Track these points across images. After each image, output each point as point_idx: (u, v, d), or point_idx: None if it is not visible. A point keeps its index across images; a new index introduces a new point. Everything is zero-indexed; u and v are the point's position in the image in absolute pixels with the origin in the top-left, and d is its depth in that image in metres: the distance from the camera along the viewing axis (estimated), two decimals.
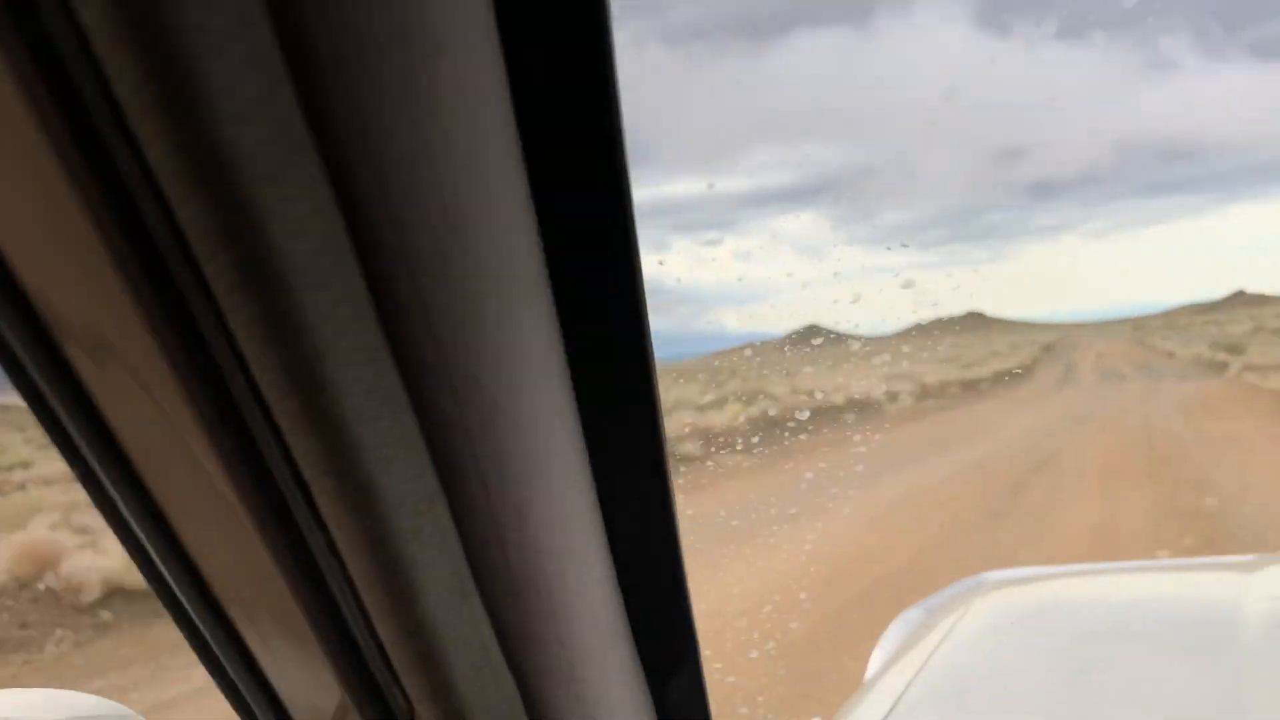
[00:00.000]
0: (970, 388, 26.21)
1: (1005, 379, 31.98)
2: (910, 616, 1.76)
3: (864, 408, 17.68)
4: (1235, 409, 17.63)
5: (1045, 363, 45.48)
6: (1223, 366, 30.28)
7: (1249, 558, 1.76)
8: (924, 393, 22.05)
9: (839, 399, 16.51)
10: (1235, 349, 35.28)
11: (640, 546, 0.76)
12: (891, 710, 1.22)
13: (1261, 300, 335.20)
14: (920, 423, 19.15)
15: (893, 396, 19.98)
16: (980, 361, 41.79)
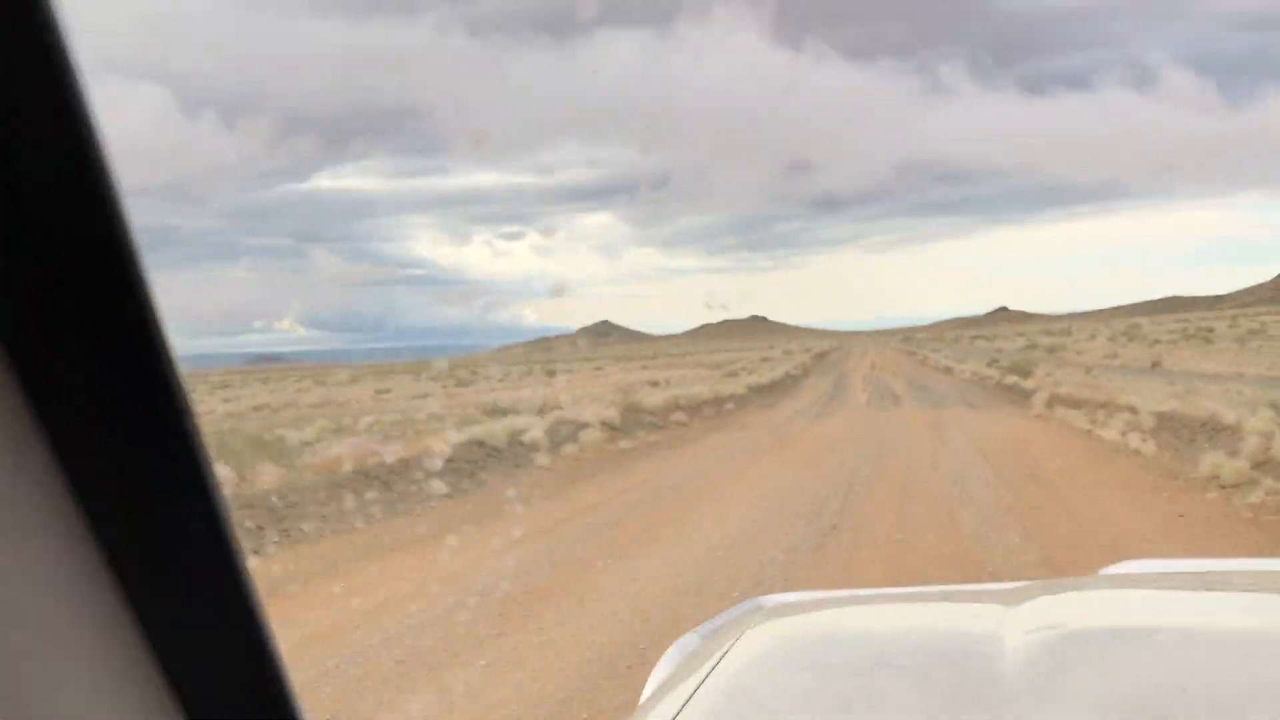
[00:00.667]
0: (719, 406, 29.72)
1: (772, 390, 38.99)
2: (686, 641, 1.77)
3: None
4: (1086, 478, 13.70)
5: (816, 373, 59.30)
6: (1015, 391, 32.05)
7: (1012, 585, 1.81)
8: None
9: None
10: (1021, 370, 37.86)
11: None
12: None
13: (1023, 317, 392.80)
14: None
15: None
16: (751, 369, 56.20)
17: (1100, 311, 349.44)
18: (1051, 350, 78.46)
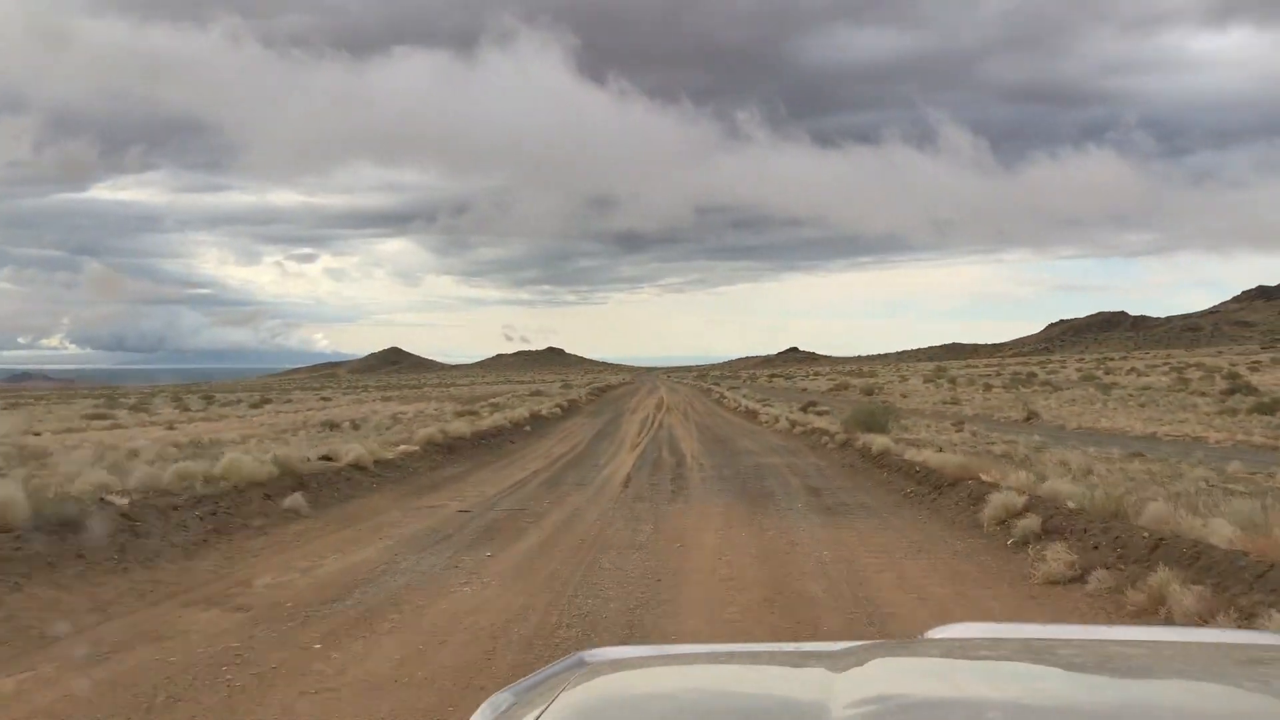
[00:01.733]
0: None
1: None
2: (499, 699, 1.67)
3: None
4: None
5: (584, 413, 52.25)
6: (883, 464, 18.99)
7: (839, 646, 1.78)
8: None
9: None
10: (868, 421, 25.07)
11: None
12: None
13: (812, 358, 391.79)
14: None
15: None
16: (513, 403, 50.35)
17: (886, 355, 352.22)
18: (870, 392, 65.16)
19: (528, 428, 35.71)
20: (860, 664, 1.57)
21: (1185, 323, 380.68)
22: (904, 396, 58.89)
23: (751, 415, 44.66)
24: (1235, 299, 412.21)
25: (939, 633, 2.20)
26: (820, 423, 29.93)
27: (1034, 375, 79.75)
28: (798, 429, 30.45)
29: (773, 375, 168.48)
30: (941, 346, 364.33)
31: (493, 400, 66.01)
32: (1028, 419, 36.67)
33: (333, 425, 36.25)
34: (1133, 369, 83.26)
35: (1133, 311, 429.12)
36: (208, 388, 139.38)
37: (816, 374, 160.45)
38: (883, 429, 24.83)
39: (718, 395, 73.23)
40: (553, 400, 62.38)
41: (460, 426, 28.65)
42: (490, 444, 27.65)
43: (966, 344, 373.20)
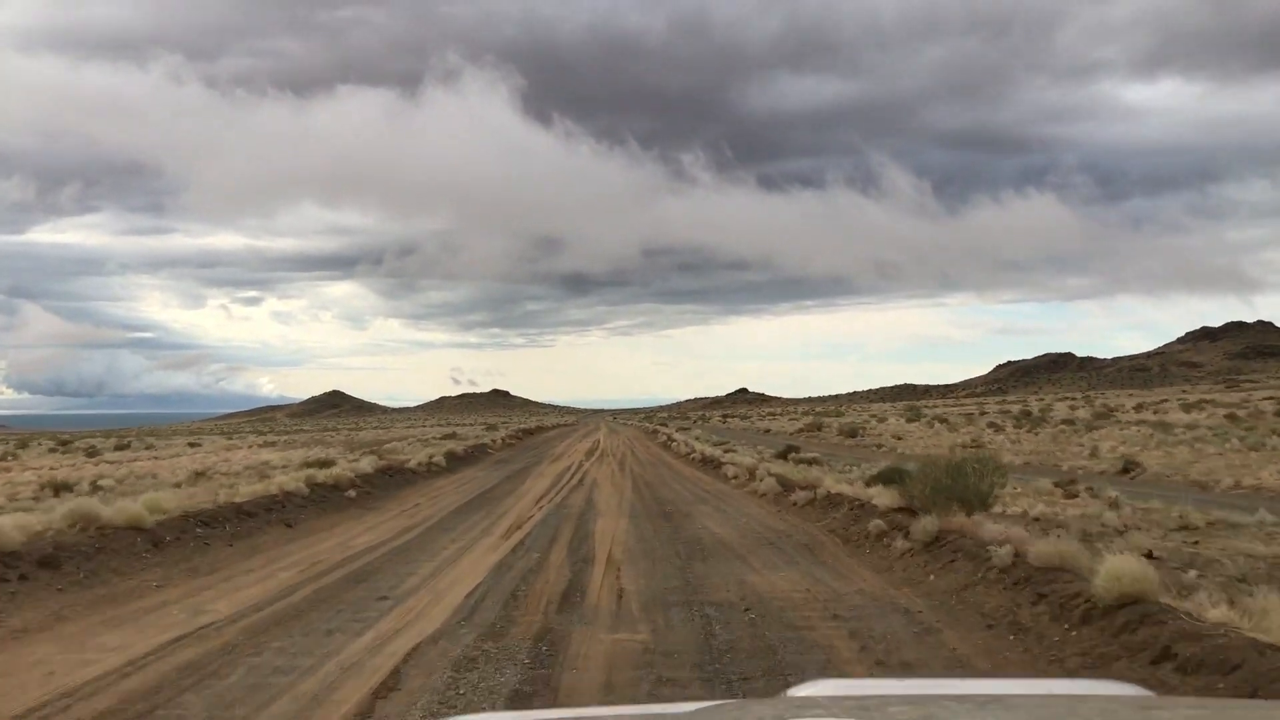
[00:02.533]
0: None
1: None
2: None
3: None
4: None
5: (485, 463, 43.28)
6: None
7: (694, 707, 1.76)
8: None
9: None
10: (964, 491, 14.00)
11: None
12: None
13: (762, 399, 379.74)
14: None
15: None
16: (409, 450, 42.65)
17: (838, 396, 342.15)
18: (852, 433, 52.88)
19: (369, 489, 22.80)
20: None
21: (1132, 363, 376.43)
22: (898, 439, 46.65)
23: (711, 465, 32.20)
24: (1180, 340, 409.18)
25: (800, 691, 2.08)
26: (836, 483, 17.28)
27: (1029, 413, 68.06)
28: (796, 496, 17.74)
29: (725, 416, 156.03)
30: (894, 387, 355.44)
31: (388, 445, 53.35)
32: (1126, 471, 24.41)
33: (66, 487, 23.04)
34: (1141, 405, 71.89)
35: (1079, 353, 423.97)
36: (122, 433, 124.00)
37: (772, 414, 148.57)
38: (980, 500, 12.46)
39: (665, 437, 60.49)
40: (462, 443, 49.74)
41: (256, 487, 16.13)
42: (258, 525, 14.76)
43: (919, 384, 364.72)
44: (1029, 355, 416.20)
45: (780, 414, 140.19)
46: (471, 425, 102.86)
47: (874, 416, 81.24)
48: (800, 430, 64.26)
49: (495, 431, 71.79)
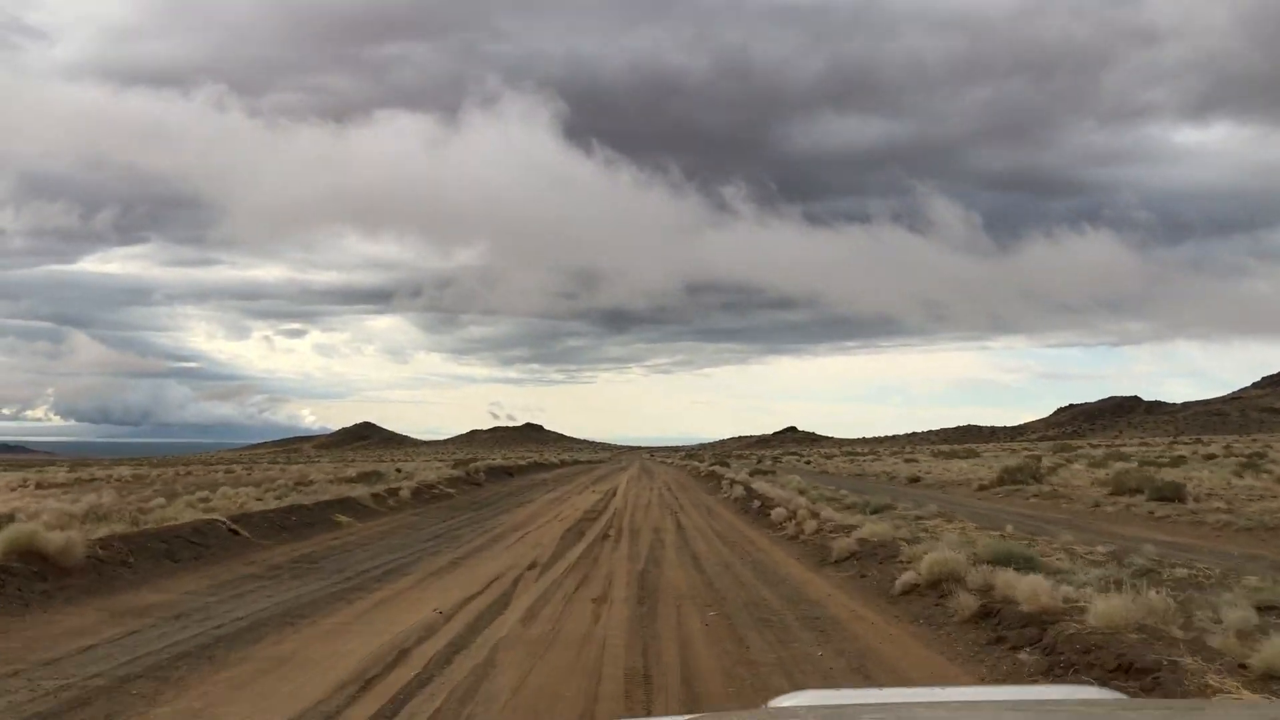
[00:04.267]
0: None
1: None
2: None
3: None
4: None
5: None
6: None
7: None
8: None
9: None
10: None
11: None
12: None
13: (813, 438, 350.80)
14: None
15: None
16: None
17: (895, 437, 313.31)
18: (1036, 476, 26.51)
19: None
20: None
21: (1207, 409, 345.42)
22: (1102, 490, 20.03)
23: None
24: (1256, 385, 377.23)
25: (782, 701, 2.07)
26: None
27: (1182, 458, 41.10)
28: None
29: (780, 455, 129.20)
30: (956, 429, 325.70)
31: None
32: None
33: None
34: None
35: (1145, 397, 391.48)
36: (151, 461, 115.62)
37: (829, 454, 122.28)
38: None
39: (728, 488, 34.22)
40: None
41: None
42: None
43: (984, 426, 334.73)
44: (1087, 399, 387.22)
45: (839, 454, 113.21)
46: (436, 462, 77.11)
47: (1034, 456, 54.20)
48: (913, 479, 37.75)
49: (472, 465, 46.21)
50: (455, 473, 39.80)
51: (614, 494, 33.74)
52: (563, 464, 79.13)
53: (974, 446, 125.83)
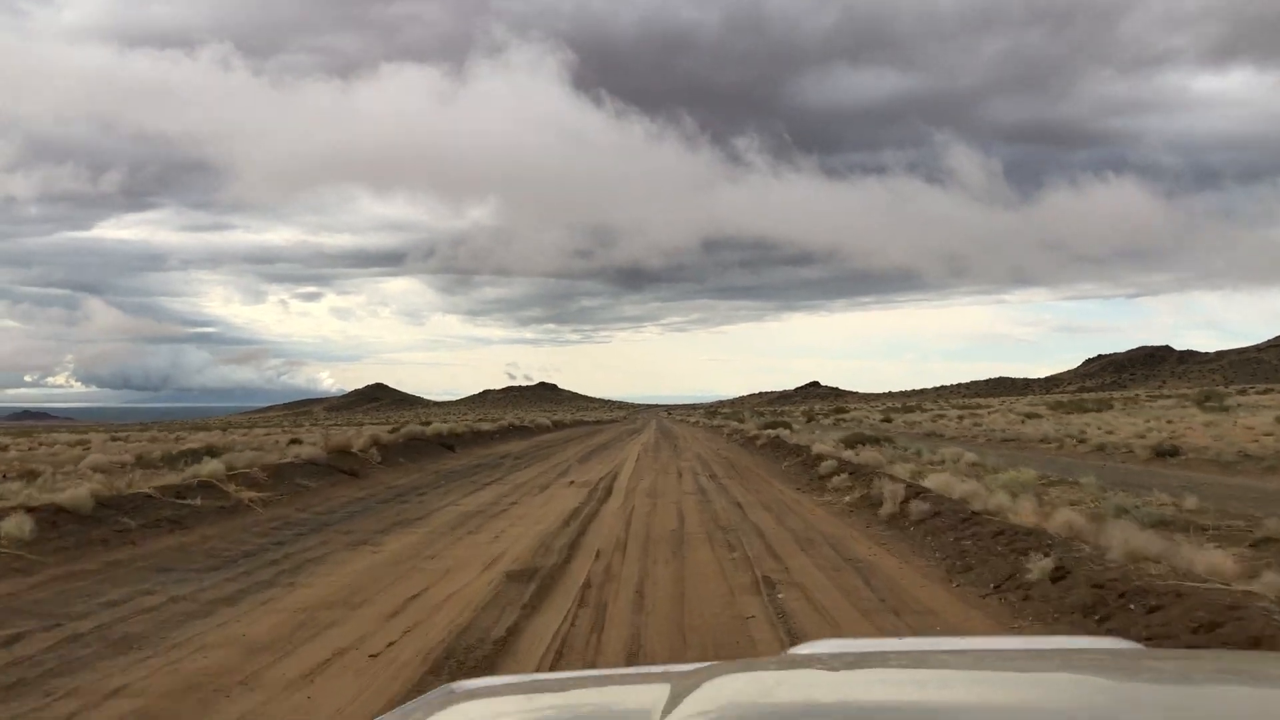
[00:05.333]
0: None
1: None
2: None
3: None
4: None
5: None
6: None
7: (692, 667, 1.64)
8: None
9: None
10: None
11: None
12: None
13: (836, 393, 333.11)
14: None
15: None
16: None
17: (923, 391, 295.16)
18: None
19: None
20: (708, 678, 1.51)
21: (1242, 356, 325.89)
22: None
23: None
24: None
25: (802, 649, 2.10)
26: None
27: None
28: None
29: (827, 412, 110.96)
30: (987, 381, 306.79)
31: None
32: None
33: None
34: None
35: (1177, 346, 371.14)
36: (159, 425, 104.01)
37: (891, 409, 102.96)
38: None
39: (851, 483, 16.78)
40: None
41: None
42: None
43: (1016, 378, 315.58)
44: (1104, 351, 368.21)
45: (919, 409, 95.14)
46: (449, 420, 59.76)
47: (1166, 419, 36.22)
48: (1089, 442, 20.21)
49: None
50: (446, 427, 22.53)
51: (600, 496, 16.30)
52: (556, 426, 61.15)
53: (1081, 399, 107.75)
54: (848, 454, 20.49)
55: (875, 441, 25.59)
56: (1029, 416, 47.38)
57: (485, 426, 40.26)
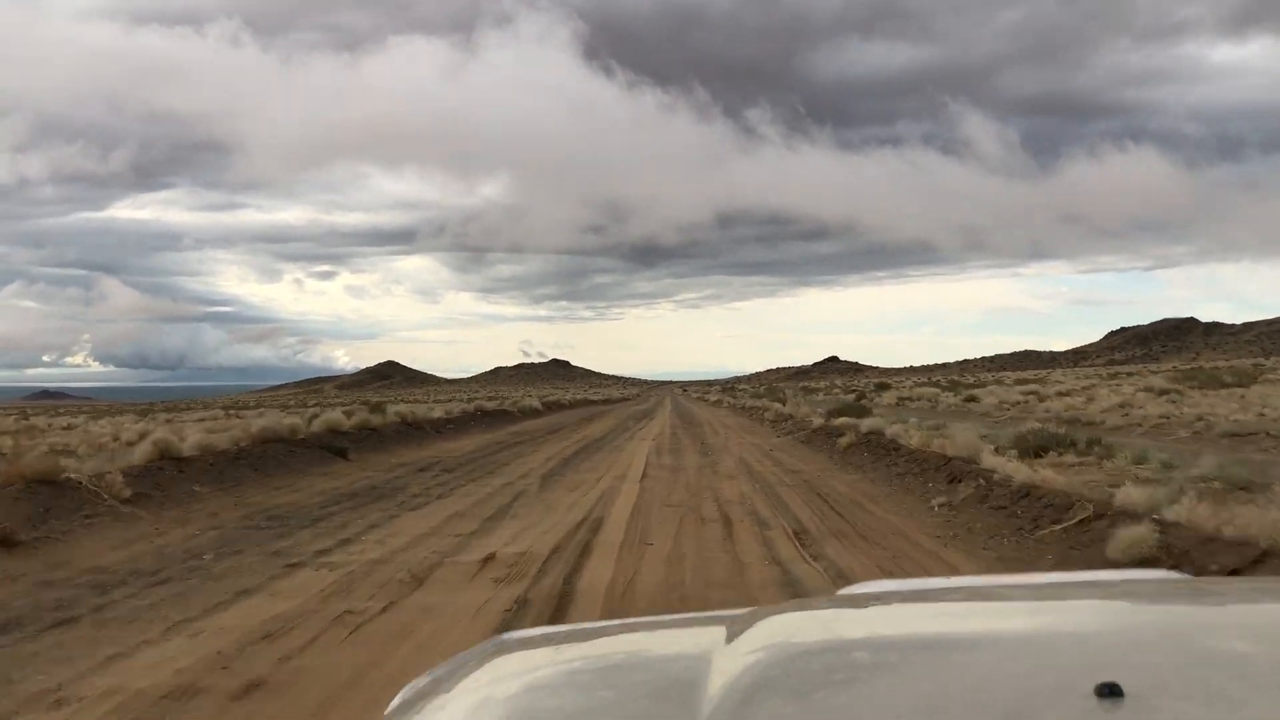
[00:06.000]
0: None
1: None
2: (419, 682, 1.61)
3: None
4: None
5: None
6: None
7: (743, 611, 1.62)
8: None
9: None
10: None
11: None
12: None
13: (855, 368, 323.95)
14: None
15: None
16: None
17: (946, 365, 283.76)
18: None
19: None
20: (759, 621, 1.50)
21: (1270, 328, 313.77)
22: None
23: None
24: None
25: (850, 589, 2.06)
26: None
27: None
28: None
29: (861, 390, 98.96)
30: (1013, 354, 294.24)
31: None
32: None
33: None
34: None
35: (1202, 318, 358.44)
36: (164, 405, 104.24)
37: (927, 383, 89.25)
38: None
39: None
40: None
41: None
42: None
43: (1042, 351, 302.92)
44: (1124, 324, 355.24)
45: (957, 384, 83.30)
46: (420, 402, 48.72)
47: None
48: None
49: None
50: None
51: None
52: (548, 408, 49.38)
53: (1214, 372, 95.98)
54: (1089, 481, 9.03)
55: (1066, 444, 14.05)
56: (1161, 393, 35.63)
57: (437, 414, 28.87)
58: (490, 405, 37.85)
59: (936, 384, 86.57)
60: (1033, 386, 56.53)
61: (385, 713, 1.52)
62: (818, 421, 22.43)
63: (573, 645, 1.71)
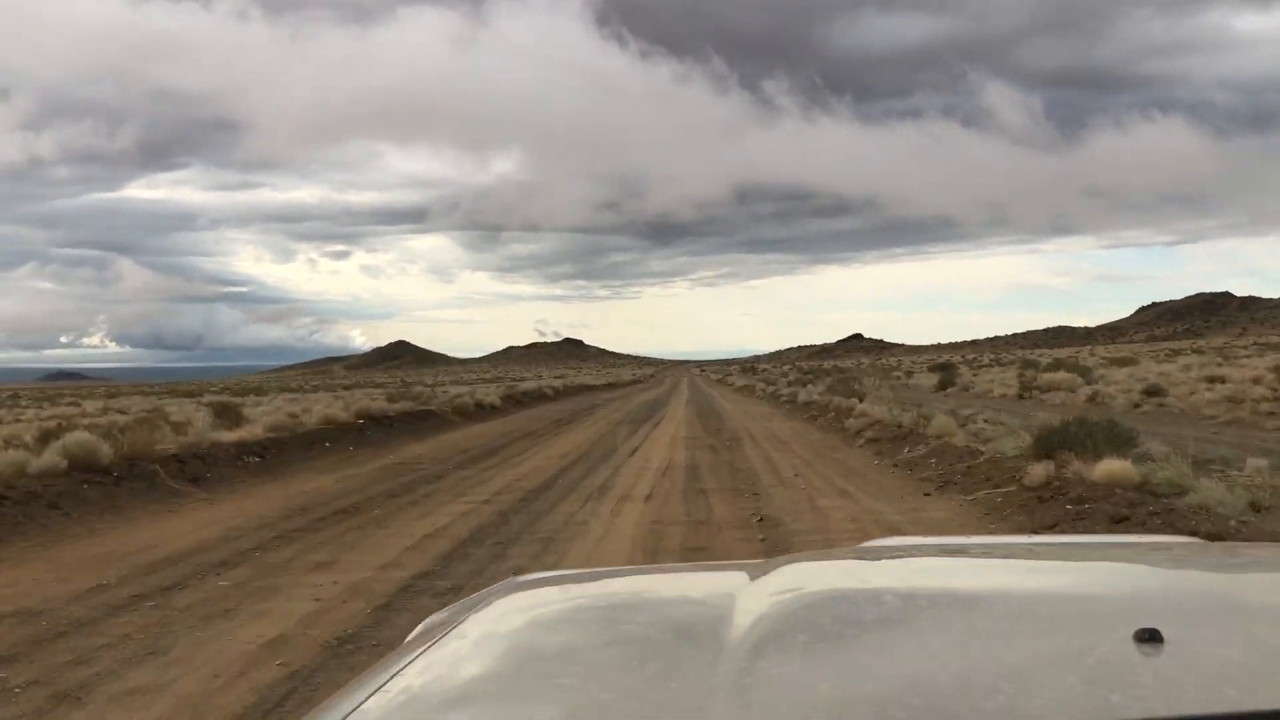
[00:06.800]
0: None
1: None
2: (433, 619, 1.67)
3: None
4: None
5: None
6: None
7: (760, 562, 1.65)
8: None
9: None
10: None
11: None
12: (368, 700, 1.15)
13: (880, 346, 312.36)
14: None
15: None
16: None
17: (976, 342, 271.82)
18: None
19: None
20: (781, 567, 1.53)
21: None
22: None
23: None
24: None
25: (873, 543, 2.08)
26: None
27: None
28: None
29: (885, 369, 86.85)
30: (1045, 331, 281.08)
31: None
32: None
33: None
34: None
35: (1238, 293, 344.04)
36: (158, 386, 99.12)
37: (1028, 361, 75.57)
38: None
39: None
40: None
41: None
42: None
43: (1077, 327, 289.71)
44: (1144, 301, 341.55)
45: (987, 364, 71.06)
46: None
47: None
48: None
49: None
50: None
51: None
52: (517, 402, 37.30)
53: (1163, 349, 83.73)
54: None
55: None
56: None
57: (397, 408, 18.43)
58: (428, 408, 26.38)
59: (994, 364, 74.19)
60: (1127, 370, 44.18)
61: (405, 641, 1.52)
62: (1039, 472, 10.22)
63: (575, 585, 1.68)
